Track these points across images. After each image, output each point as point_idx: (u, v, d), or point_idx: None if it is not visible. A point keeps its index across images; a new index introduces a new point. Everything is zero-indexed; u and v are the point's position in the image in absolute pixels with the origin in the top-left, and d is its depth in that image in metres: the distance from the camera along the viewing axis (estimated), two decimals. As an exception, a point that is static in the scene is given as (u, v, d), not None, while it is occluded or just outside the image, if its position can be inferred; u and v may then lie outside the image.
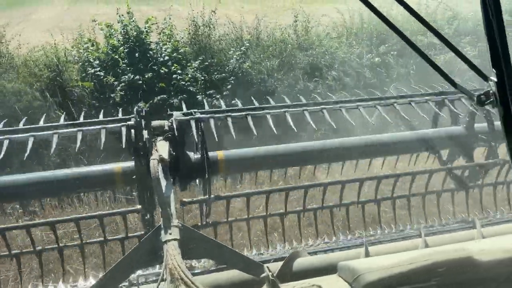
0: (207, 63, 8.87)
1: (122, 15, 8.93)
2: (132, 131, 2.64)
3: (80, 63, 8.65)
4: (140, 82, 8.24)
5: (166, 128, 2.65)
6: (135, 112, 2.66)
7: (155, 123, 2.66)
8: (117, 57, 8.55)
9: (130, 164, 2.71)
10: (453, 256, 1.59)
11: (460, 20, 11.07)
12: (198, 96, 8.27)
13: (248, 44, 9.35)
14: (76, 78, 8.47)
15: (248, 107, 3.12)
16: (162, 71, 8.47)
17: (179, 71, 8.43)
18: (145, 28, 8.89)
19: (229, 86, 8.66)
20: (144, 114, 2.67)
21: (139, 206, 2.82)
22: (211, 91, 8.57)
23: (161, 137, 2.59)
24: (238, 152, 3.06)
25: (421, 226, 3.49)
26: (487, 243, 1.88)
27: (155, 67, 8.50)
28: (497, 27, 0.97)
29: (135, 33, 8.74)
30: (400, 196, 3.60)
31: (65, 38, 9.12)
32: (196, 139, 2.85)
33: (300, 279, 1.70)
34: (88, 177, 2.77)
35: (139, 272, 2.66)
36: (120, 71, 8.33)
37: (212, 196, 2.90)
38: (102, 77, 8.24)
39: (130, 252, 1.86)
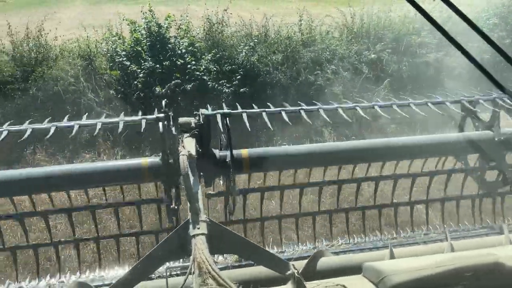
0: (219, 55, 10.01)
1: (145, 13, 10.15)
2: (160, 124, 2.67)
3: (109, 54, 9.90)
4: (160, 70, 9.43)
5: (193, 125, 2.66)
6: (163, 107, 2.70)
7: (182, 120, 2.68)
8: (140, 49, 9.77)
9: (157, 159, 2.74)
10: (480, 261, 1.56)
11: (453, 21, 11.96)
12: (209, 83, 9.42)
13: (256, 40, 10.47)
14: (105, 67, 9.73)
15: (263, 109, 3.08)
16: (178, 62, 9.65)
17: (193, 62, 9.60)
18: (165, 24, 10.09)
19: (238, 77, 9.78)
20: (169, 110, 2.71)
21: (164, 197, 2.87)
22: (222, 81, 9.71)
23: (187, 134, 2.61)
24: (262, 151, 3.05)
25: (447, 230, 3.38)
26: None
27: (173, 58, 9.69)
28: None
29: (157, 28, 9.94)
30: (433, 199, 3.55)
31: (91, 34, 10.35)
32: (222, 136, 2.91)
33: (324, 278, 1.73)
34: (116, 171, 2.77)
35: (168, 264, 2.67)
36: (142, 61, 9.54)
37: (237, 188, 2.92)
38: (127, 66, 9.47)
39: (160, 245, 1.89)
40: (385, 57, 11.05)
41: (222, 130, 2.84)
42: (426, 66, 11.04)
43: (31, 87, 9.17)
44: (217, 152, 2.87)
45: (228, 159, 2.79)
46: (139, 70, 9.33)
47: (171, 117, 2.70)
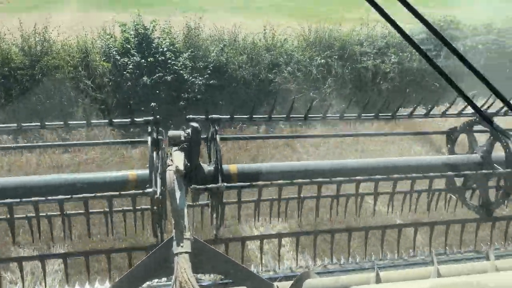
0: (194, 54, 12.22)
1: (134, 16, 12.30)
2: (149, 140, 2.63)
3: (102, 50, 11.98)
4: (145, 64, 11.57)
5: (182, 138, 2.63)
6: (151, 123, 2.68)
7: (171, 133, 2.66)
8: (129, 46, 11.89)
9: (145, 172, 2.66)
10: None
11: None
12: (185, 76, 11.62)
13: (225, 43, 12.72)
14: (99, 60, 11.80)
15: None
16: (160, 59, 11.81)
17: (173, 59, 11.78)
18: (150, 26, 12.26)
19: (208, 72, 11.99)
20: (158, 124, 2.72)
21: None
22: (196, 74, 11.91)
23: (176, 148, 2.58)
24: (251, 167, 3.06)
25: (433, 254, 3.27)
26: (500, 277, 1.84)
27: (156, 55, 11.84)
28: None
29: (143, 30, 12.09)
30: (422, 223, 3.59)
31: (86, 34, 12.30)
32: (211, 150, 2.89)
33: None
34: (101, 183, 2.68)
35: (148, 283, 2.59)
36: (131, 56, 11.66)
37: (224, 200, 2.90)
38: (118, 59, 11.57)
39: (141, 263, 1.83)
40: (332, 62, 13.43)
41: (210, 146, 2.84)
42: (365, 70, 13.46)
43: (37, 73, 11.15)
44: (205, 167, 2.83)
45: (217, 174, 2.74)
46: (128, 63, 11.45)
47: (159, 122, 2.71)
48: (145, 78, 11.16)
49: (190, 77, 11.74)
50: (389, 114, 3.51)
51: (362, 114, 3.39)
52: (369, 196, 3.31)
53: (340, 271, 3.49)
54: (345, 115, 3.34)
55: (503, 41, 14.37)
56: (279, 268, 3.62)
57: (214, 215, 2.98)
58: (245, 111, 4.65)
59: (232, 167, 2.96)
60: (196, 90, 11.55)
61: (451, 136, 3.62)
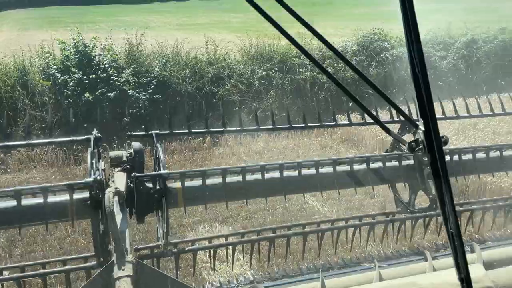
0: (137, 69, 12.36)
1: (73, 35, 12.27)
2: (88, 161, 2.54)
3: (41, 68, 11.82)
4: (87, 81, 11.55)
5: (125, 158, 2.57)
6: (91, 142, 2.57)
7: (113, 153, 2.58)
8: (69, 64, 11.83)
9: (85, 195, 2.55)
10: None
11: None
12: (129, 92, 11.72)
13: (168, 58, 12.98)
14: (38, 78, 11.63)
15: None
16: (102, 75, 11.84)
17: (115, 75, 11.85)
18: (91, 44, 12.28)
19: (152, 87, 12.17)
20: (99, 141, 2.61)
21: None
22: (139, 90, 12.04)
23: (118, 168, 2.51)
24: (198, 184, 2.99)
25: (375, 259, 3.46)
26: (437, 276, 1.92)
27: (98, 72, 11.86)
28: (422, 82, 1.03)
29: (83, 47, 12.09)
30: (364, 223, 3.73)
31: (23, 53, 12.11)
32: (155, 169, 2.83)
33: None
34: (40, 208, 2.55)
35: None
36: (71, 73, 11.61)
37: (169, 250, 2.86)
38: (58, 77, 11.47)
39: None
40: (273, 74, 14.07)
41: (155, 162, 2.70)
42: (304, 81, 14.21)
43: (-29, 94, 10.81)
44: (150, 186, 2.76)
45: (162, 192, 2.68)
46: (69, 80, 11.38)
47: (100, 143, 2.60)
48: (86, 95, 11.15)
49: (134, 93, 11.85)
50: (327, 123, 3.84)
51: (309, 124, 3.65)
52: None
53: (287, 283, 3.46)
54: (293, 125, 3.59)
55: (424, 50, 15.71)
56: (228, 284, 3.55)
57: (160, 229, 2.91)
58: (190, 122, 5.09)
59: (178, 185, 2.91)
60: (140, 105, 11.67)
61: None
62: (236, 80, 13.69)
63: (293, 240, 3.84)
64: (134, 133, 2.91)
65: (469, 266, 1.92)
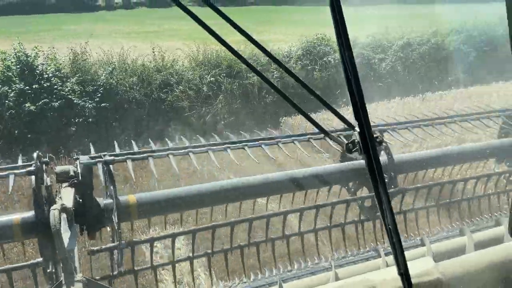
0: (82, 78, 12.24)
1: (15, 45, 11.97)
2: (32, 177, 2.42)
3: (-21, 79, 11.44)
4: (29, 91, 11.30)
5: (72, 173, 2.50)
6: (35, 158, 2.48)
7: (59, 168, 2.51)
8: (10, 74, 11.53)
9: (31, 214, 2.46)
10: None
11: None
12: (75, 100, 11.58)
13: (114, 66, 12.94)
14: (-25, 90, 11.24)
15: (150, 149, 3.01)
16: (45, 85, 11.63)
17: (59, 84, 11.68)
18: (32, 53, 12.03)
19: (99, 95, 12.09)
20: (45, 160, 2.53)
21: (39, 260, 2.52)
22: (85, 98, 11.92)
23: (66, 184, 2.44)
24: (150, 195, 2.92)
25: (331, 259, 3.44)
26: (389, 272, 1.95)
27: (41, 81, 11.63)
28: (355, 85, 1.07)
29: (25, 57, 11.81)
30: (320, 228, 3.61)
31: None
32: (104, 183, 2.72)
33: None
34: None
35: None
36: (13, 84, 11.31)
37: (123, 242, 2.71)
38: (-1, 88, 11.15)
39: None
40: (221, 79, 14.37)
41: (104, 178, 2.64)
42: (251, 85, 14.62)
43: None
44: (101, 201, 2.68)
45: (113, 209, 2.60)
46: (10, 91, 11.09)
47: (44, 168, 2.49)
48: (27, 104, 10.91)
49: (80, 101, 11.73)
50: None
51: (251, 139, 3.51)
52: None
53: None
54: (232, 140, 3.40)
55: (364, 53, 16.67)
56: None
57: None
58: (139, 129, 5.08)
59: (130, 198, 2.81)
60: (87, 113, 11.57)
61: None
62: (184, 86, 13.87)
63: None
64: (81, 156, 2.72)
65: (419, 259, 2.12)
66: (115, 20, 34.99)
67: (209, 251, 3.19)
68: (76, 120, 11.59)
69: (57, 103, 11.39)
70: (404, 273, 1.12)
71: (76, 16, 37.61)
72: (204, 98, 13.89)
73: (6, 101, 11.12)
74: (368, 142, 1.11)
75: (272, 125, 13.58)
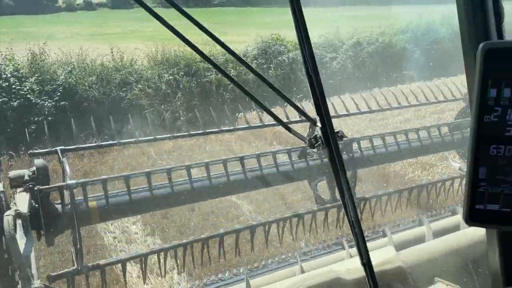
0: (41, 78, 12.55)
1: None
2: None
3: None
4: (-13, 92, 11.56)
5: (27, 178, 2.42)
6: None
7: (13, 173, 2.43)
8: (-34, 75, 11.74)
9: None
10: (324, 279, 1.77)
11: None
12: (33, 100, 11.91)
13: (73, 66, 13.32)
14: None
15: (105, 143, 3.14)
16: (4, 85, 11.89)
17: (17, 83, 11.98)
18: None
19: (58, 94, 12.45)
20: None
21: None
22: (44, 97, 12.25)
23: (21, 189, 2.37)
24: (112, 199, 2.90)
25: (297, 253, 3.49)
26: (352, 262, 2.04)
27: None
28: (316, 82, 1.07)
29: (-19, 58, 12.06)
30: (284, 217, 3.69)
31: None
32: (62, 179, 2.65)
33: None
34: None
35: None
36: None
37: (86, 266, 2.66)
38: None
39: None
40: (180, 78, 14.96)
41: (64, 179, 2.54)
42: (209, 83, 15.29)
43: None
44: (59, 206, 2.62)
45: (72, 213, 2.53)
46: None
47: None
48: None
49: (39, 100, 12.06)
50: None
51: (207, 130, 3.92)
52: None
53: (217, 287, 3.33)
54: (192, 132, 3.87)
55: (317, 52, 17.69)
56: None
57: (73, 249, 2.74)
58: (99, 125, 5.31)
59: (91, 202, 2.78)
60: (47, 112, 11.92)
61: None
62: (143, 84, 14.37)
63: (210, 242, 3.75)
64: (37, 151, 2.70)
65: (381, 248, 2.21)
66: (77, 22, 34.74)
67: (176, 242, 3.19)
68: (36, 119, 11.90)
69: (15, 103, 11.68)
70: (366, 263, 1.13)
71: (34, 18, 37.03)
72: (163, 96, 14.45)
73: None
74: (330, 137, 1.13)
75: (229, 119, 14.32)
